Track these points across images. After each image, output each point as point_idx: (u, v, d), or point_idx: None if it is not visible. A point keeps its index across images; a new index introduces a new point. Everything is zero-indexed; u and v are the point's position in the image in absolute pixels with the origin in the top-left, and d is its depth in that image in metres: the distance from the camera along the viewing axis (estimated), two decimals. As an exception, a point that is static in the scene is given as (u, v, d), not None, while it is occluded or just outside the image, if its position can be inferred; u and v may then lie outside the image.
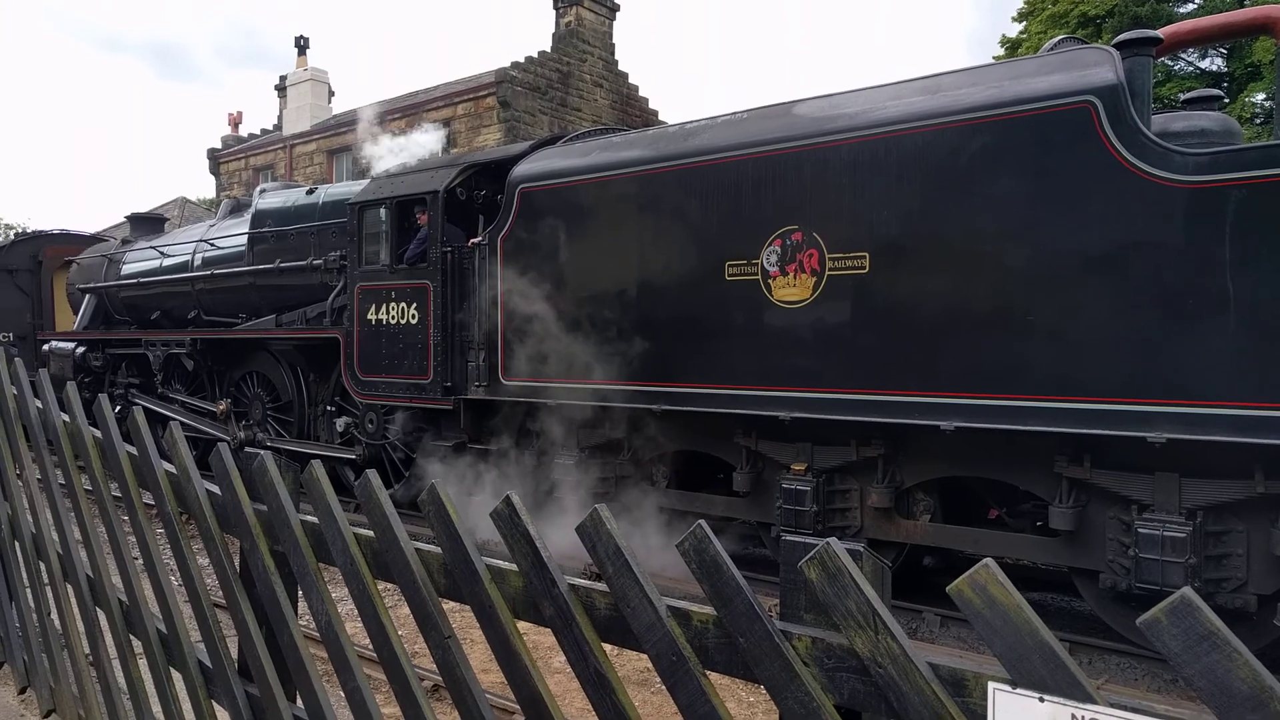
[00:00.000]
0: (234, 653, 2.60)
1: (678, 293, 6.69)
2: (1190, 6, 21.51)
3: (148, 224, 14.04)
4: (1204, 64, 22.26)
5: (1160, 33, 5.63)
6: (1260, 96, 19.82)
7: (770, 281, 6.16)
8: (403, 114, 22.08)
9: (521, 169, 7.75)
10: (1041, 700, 1.14)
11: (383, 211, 8.59)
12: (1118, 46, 5.25)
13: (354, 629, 4.21)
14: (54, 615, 3.65)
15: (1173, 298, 4.79)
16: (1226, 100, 19.23)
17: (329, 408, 9.65)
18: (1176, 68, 21.83)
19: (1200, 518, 4.92)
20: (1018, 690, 1.16)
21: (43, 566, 3.66)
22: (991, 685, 1.19)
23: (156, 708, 2.92)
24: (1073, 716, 1.12)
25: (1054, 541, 5.55)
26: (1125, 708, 1.09)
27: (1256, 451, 4.65)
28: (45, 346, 13.28)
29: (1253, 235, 4.57)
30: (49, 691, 3.68)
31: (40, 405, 3.62)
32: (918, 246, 5.61)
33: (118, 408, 10.41)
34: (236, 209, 12.10)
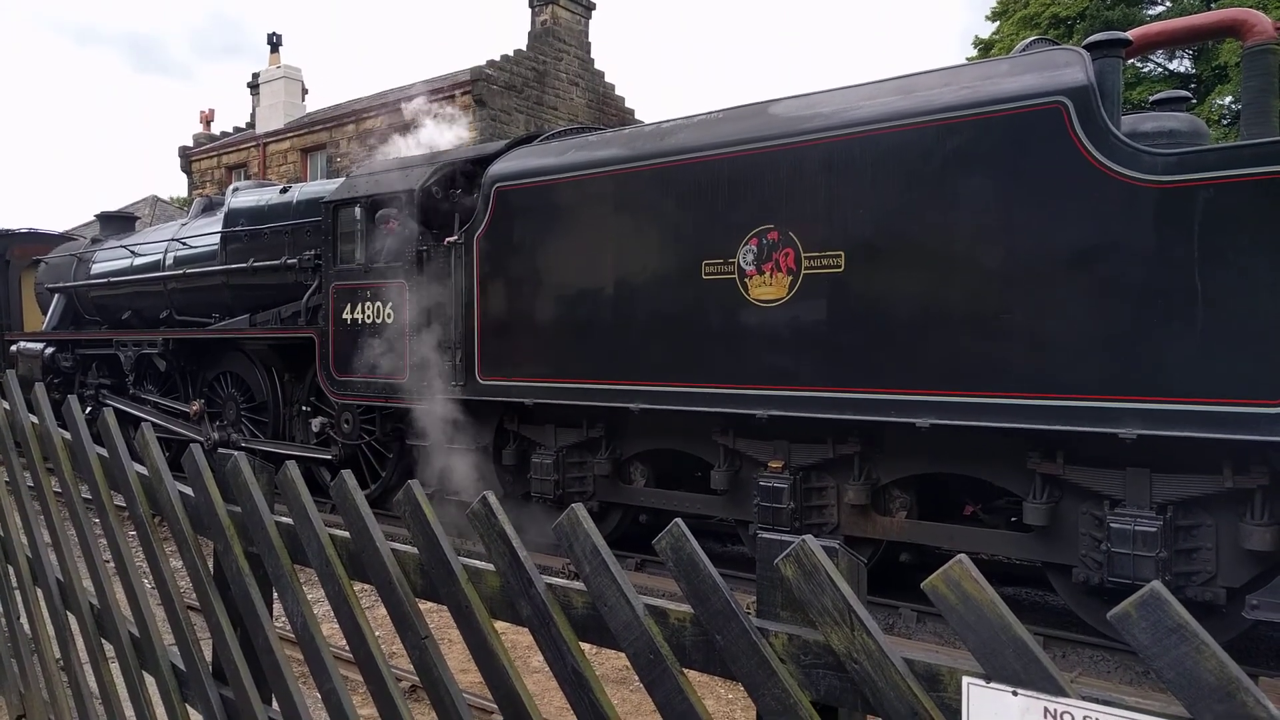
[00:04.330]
0: (208, 656, 2.58)
1: (654, 292, 6.70)
2: (1159, 9, 21.81)
3: (118, 223, 13.86)
4: (1173, 66, 22.57)
5: (1129, 35, 5.71)
6: (1227, 99, 20.12)
7: (747, 280, 6.18)
8: (377, 112, 21.93)
9: (497, 168, 7.72)
10: (1015, 694, 1.15)
11: (358, 210, 8.53)
12: (1088, 48, 5.31)
13: (330, 630, 4.17)
14: (23, 619, 3.59)
15: (1143, 296, 4.85)
16: (1194, 102, 19.50)
17: (304, 408, 9.57)
18: (1146, 70, 22.11)
19: (1170, 512, 4.99)
20: (992, 684, 1.18)
21: (11, 570, 3.61)
22: (966, 680, 1.21)
23: (129, 712, 2.88)
24: (1045, 710, 1.13)
25: (1028, 537, 5.62)
26: (1097, 700, 1.10)
27: (1225, 447, 4.73)
28: (13, 347, 13.07)
29: (1219, 234, 4.64)
30: (19, 697, 3.63)
31: (8, 407, 3.56)
32: (892, 246, 5.65)
33: (88, 409, 10.27)
34: (209, 208, 11.97)
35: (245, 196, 10.72)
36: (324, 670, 2.12)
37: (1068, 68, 5.14)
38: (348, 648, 2.10)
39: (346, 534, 2.08)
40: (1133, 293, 4.88)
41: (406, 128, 10.57)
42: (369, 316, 8.37)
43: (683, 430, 6.86)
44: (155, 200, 30.31)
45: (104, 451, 2.88)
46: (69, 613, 3.21)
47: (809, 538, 1.38)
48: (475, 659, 1.80)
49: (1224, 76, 20.06)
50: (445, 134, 10.07)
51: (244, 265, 9.98)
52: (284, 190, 10.49)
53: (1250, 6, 11.76)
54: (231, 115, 36.99)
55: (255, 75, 27.00)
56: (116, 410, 3.46)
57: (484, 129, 20.25)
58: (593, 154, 7.21)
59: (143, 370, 11.39)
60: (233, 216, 10.47)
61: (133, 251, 11.80)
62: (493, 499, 1.77)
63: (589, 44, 23.98)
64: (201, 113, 27.86)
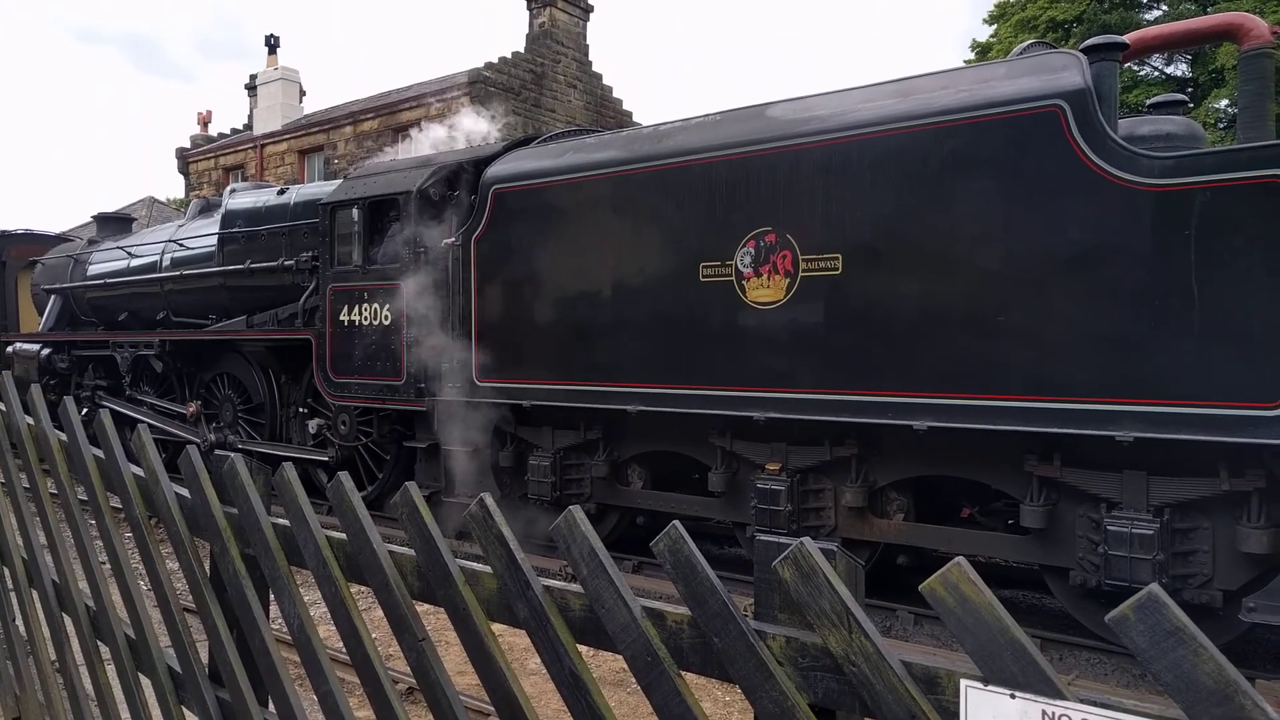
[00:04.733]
0: (205, 658, 2.57)
1: (652, 294, 6.69)
2: (1156, 13, 21.86)
3: (115, 224, 13.83)
4: (1169, 69, 22.63)
5: (1126, 38, 5.72)
6: (1224, 103, 20.18)
7: (744, 283, 6.18)
8: (375, 114, 21.91)
9: (495, 170, 7.72)
10: (1013, 697, 1.15)
11: (355, 212, 8.53)
12: (1085, 51, 5.32)
13: (327, 632, 4.16)
14: (19, 622, 3.58)
15: (1140, 299, 4.86)
16: (1191, 105, 19.55)
17: (301, 410, 9.56)
18: (1143, 73, 22.17)
19: (1167, 515, 5.00)
20: (989, 687, 1.17)
21: (7, 572, 3.60)
22: (964, 682, 1.20)
23: (125, 714, 2.88)
24: (1043, 713, 1.13)
25: (1025, 539, 5.62)
26: (1094, 703, 1.10)
27: (1222, 449, 4.73)
28: (9, 348, 13.04)
29: (1215, 237, 4.65)
30: (14, 699, 3.62)
31: (4, 408, 3.55)
32: (890, 248, 5.66)
33: (84, 410, 10.25)
34: (206, 209, 11.96)
35: (243, 198, 10.71)
36: (321, 672, 2.12)
37: (1065, 71, 5.15)
38: (344, 650, 2.09)
39: (343, 536, 2.07)
40: (1129, 295, 4.89)
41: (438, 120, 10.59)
42: (366, 318, 8.37)
43: (680, 432, 6.86)
44: (152, 201, 30.29)
45: (100, 453, 2.87)
46: (65, 615, 3.20)
47: (807, 540, 1.38)
48: (472, 661, 1.80)
49: (1221, 80, 20.12)
50: (480, 125, 10.09)
51: (241, 267, 9.96)
52: (281, 192, 10.49)
53: (1247, 11, 11.79)
54: (229, 117, 37.03)
55: (253, 77, 26.98)
56: (113, 412, 3.44)
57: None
58: (590, 156, 7.20)
59: (139, 372, 11.37)
60: (230, 218, 10.46)
61: (130, 253, 11.79)
62: (490, 501, 1.77)
63: (587, 46, 23.98)
64: (199, 114, 27.85)
